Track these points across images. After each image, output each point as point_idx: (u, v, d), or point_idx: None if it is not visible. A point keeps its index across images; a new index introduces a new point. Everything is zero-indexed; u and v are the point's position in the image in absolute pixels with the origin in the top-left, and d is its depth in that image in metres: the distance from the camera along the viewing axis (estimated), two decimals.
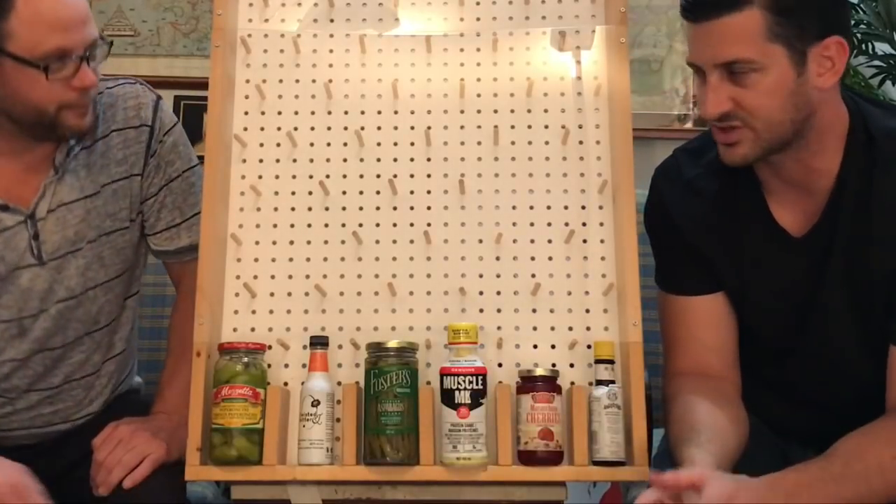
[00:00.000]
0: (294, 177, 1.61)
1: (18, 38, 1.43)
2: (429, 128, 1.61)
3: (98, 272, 1.61)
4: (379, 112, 1.64)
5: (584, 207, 1.58)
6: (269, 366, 1.51)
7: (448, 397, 1.40)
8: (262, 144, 1.63)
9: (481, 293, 1.55)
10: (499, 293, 1.55)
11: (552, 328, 1.53)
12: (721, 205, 1.48)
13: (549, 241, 1.57)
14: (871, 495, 1.23)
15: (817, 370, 1.46)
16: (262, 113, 1.64)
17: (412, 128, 1.62)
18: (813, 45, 1.33)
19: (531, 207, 1.58)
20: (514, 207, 1.58)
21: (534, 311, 1.54)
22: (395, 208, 1.59)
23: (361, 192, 1.60)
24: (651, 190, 1.57)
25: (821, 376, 1.46)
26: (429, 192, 1.60)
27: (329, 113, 1.64)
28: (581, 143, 1.61)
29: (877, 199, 1.35)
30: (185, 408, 1.45)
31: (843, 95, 1.41)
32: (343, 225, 1.58)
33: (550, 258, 1.56)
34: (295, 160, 1.62)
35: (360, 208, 1.59)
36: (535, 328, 1.54)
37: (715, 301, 1.51)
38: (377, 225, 1.58)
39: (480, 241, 1.57)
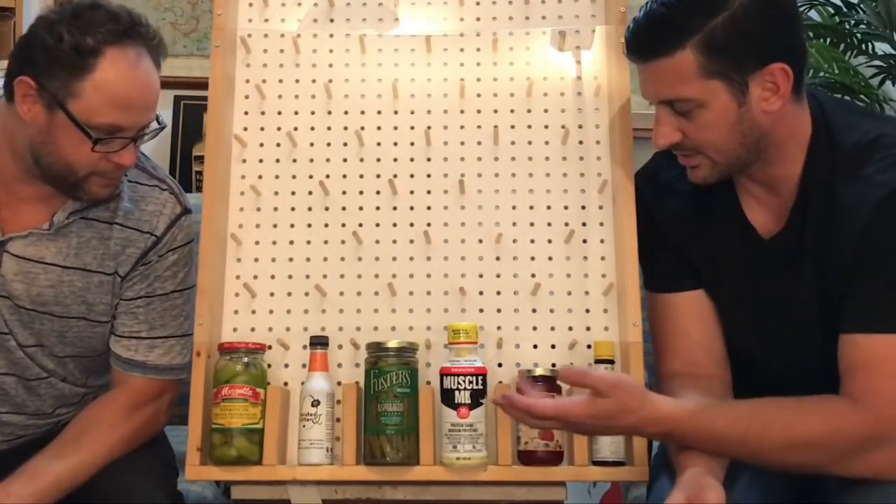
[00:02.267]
0: (294, 177, 1.61)
1: (83, 100, 1.39)
2: (429, 128, 1.61)
3: (55, 346, 1.54)
4: (379, 112, 1.64)
5: (584, 207, 1.58)
6: (269, 366, 1.51)
7: (448, 397, 1.40)
8: (262, 144, 1.63)
9: (481, 293, 1.55)
10: (499, 293, 1.55)
11: (552, 328, 1.53)
12: (697, 204, 1.49)
13: (549, 241, 1.57)
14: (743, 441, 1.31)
15: (791, 372, 1.46)
16: (262, 113, 1.64)
17: (412, 128, 1.62)
18: (753, 74, 1.34)
19: (531, 207, 1.58)
20: (514, 207, 1.58)
21: (534, 311, 1.54)
22: (395, 208, 1.59)
23: (361, 192, 1.60)
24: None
25: (795, 377, 1.47)
26: (429, 192, 1.60)
27: (329, 113, 1.64)
28: (581, 143, 1.61)
29: (842, 207, 1.36)
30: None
31: (809, 102, 1.42)
32: (343, 225, 1.59)
33: (550, 258, 1.56)
34: (295, 160, 1.62)
35: (360, 208, 1.59)
36: (535, 328, 1.54)
37: (700, 297, 1.51)
38: (377, 225, 1.59)
39: (480, 241, 1.57)
